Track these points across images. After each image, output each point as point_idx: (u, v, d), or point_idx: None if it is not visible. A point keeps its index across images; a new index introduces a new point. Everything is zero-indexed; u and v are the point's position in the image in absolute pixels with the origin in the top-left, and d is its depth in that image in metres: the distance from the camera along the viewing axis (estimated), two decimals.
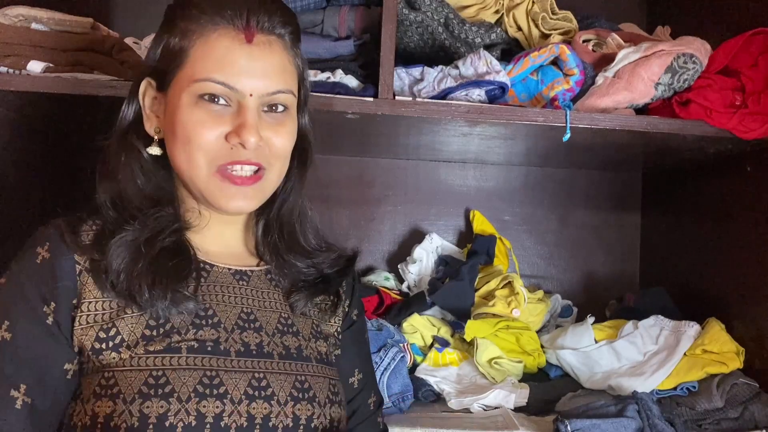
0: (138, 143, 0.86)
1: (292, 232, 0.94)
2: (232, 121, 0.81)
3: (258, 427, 0.79)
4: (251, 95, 0.82)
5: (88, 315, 0.79)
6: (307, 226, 0.96)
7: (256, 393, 0.80)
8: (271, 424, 0.80)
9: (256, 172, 0.84)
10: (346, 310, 0.98)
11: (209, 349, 0.80)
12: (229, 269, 0.89)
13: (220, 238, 0.91)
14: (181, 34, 0.82)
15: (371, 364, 1.05)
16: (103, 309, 0.80)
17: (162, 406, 0.75)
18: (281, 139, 0.85)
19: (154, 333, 0.79)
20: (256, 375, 0.82)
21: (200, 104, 0.81)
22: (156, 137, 0.86)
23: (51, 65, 1.08)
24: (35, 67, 1.07)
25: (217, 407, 0.77)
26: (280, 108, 0.85)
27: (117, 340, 0.78)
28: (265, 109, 0.84)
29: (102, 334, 0.79)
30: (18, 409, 0.76)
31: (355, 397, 0.98)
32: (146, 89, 0.86)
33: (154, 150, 0.86)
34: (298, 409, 0.83)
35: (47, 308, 0.79)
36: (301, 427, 0.82)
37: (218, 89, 0.81)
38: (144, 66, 0.88)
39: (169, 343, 0.79)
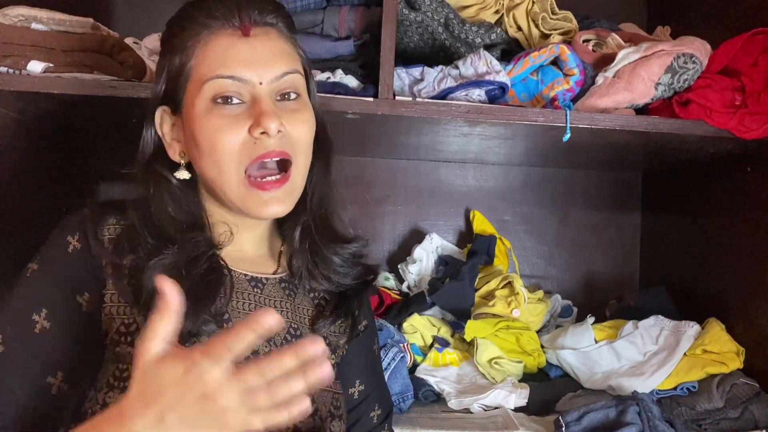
0: (164, 171, 0.86)
1: (325, 219, 0.93)
2: (251, 115, 0.81)
3: None
4: (261, 83, 0.82)
5: (111, 306, 0.80)
6: (339, 214, 0.95)
7: None
8: None
9: (283, 168, 0.83)
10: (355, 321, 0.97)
11: None
12: (245, 275, 0.88)
13: (237, 243, 0.89)
14: (180, 50, 0.83)
15: (379, 377, 1.04)
16: (125, 302, 0.80)
17: None
18: (300, 128, 0.84)
19: None
20: None
21: (215, 109, 0.81)
22: (182, 161, 0.86)
23: (51, 65, 1.08)
24: (35, 67, 1.06)
25: None
26: (293, 95, 0.85)
27: (136, 336, 0.78)
28: (278, 98, 0.84)
29: (122, 328, 0.80)
30: (54, 395, 0.78)
31: (355, 407, 0.97)
32: (162, 118, 0.87)
33: (183, 174, 0.86)
34: (300, 423, 0.83)
35: (80, 298, 0.80)
36: None
37: (229, 85, 0.81)
38: (154, 96, 0.87)
39: (186, 346, 0.78)
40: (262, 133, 0.80)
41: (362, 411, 0.97)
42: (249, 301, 0.87)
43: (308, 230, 0.92)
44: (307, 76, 0.90)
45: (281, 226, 0.95)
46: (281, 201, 0.83)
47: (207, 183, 0.86)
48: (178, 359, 0.58)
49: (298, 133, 0.84)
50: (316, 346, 0.59)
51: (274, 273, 0.92)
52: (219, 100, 0.81)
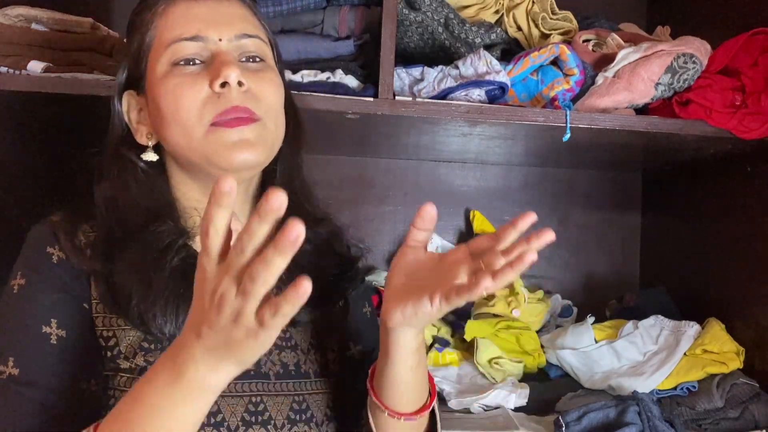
0: (130, 154, 0.83)
1: (296, 200, 0.85)
2: (211, 71, 0.78)
3: None
4: (221, 40, 0.80)
5: (96, 316, 0.78)
6: (312, 197, 0.92)
7: (253, 418, 0.78)
8: None
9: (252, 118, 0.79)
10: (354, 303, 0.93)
11: None
12: None
13: None
14: (140, 26, 0.82)
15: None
16: (107, 312, 0.78)
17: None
18: (267, 88, 0.81)
19: (152, 346, 0.77)
20: (253, 399, 0.79)
21: (175, 71, 0.79)
22: (150, 143, 0.83)
23: (51, 65, 1.08)
24: (35, 67, 1.06)
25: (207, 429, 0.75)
26: (257, 59, 0.82)
27: (115, 351, 0.76)
28: (243, 59, 0.81)
29: (102, 341, 0.77)
30: (91, 398, 0.75)
31: (358, 365, 0.89)
32: (129, 103, 0.85)
33: (150, 156, 0.83)
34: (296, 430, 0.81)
35: (86, 304, 0.77)
36: None
37: (188, 47, 0.79)
38: (118, 81, 0.85)
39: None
40: (223, 85, 0.77)
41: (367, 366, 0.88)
42: None
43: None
44: (273, 48, 0.87)
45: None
46: (252, 144, 0.77)
47: (174, 152, 0.81)
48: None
49: (263, 93, 0.80)
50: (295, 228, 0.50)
51: None
52: (181, 63, 0.79)
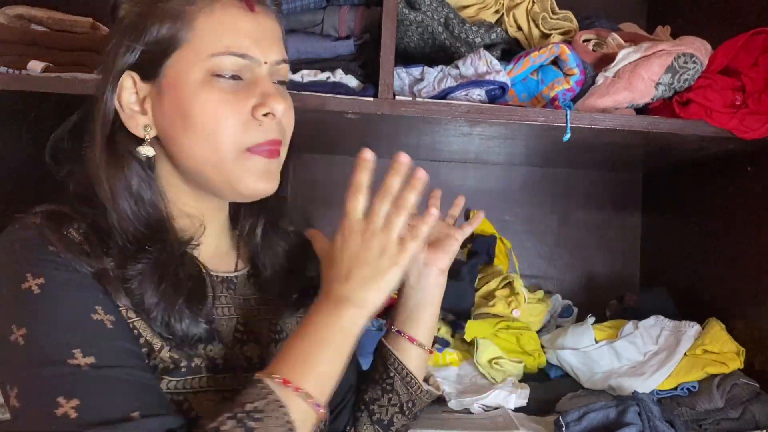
0: (130, 146, 0.77)
1: (282, 218, 0.91)
2: (253, 94, 0.76)
3: None
4: (266, 63, 0.78)
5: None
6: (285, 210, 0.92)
7: None
8: None
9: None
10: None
11: (220, 366, 0.77)
12: (217, 276, 0.83)
13: (201, 237, 0.82)
14: (172, 16, 0.75)
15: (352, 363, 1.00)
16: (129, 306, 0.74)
17: None
18: (291, 116, 0.82)
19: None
20: (226, 395, 0.77)
21: (215, 83, 0.75)
22: (147, 137, 0.77)
23: (51, 65, 1.08)
24: (35, 66, 1.06)
25: None
26: (284, 82, 0.82)
27: (141, 341, 0.73)
28: (275, 81, 0.80)
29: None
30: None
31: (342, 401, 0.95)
32: (125, 84, 0.77)
33: (147, 150, 0.77)
34: None
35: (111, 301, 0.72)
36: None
37: (236, 63, 0.75)
38: (122, 62, 0.77)
39: (186, 350, 0.76)
40: (266, 114, 0.76)
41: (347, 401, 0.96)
42: (228, 305, 0.83)
43: (267, 227, 0.89)
44: None
45: (234, 221, 0.90)
46: (273, 176, 0.79)
47: (185, 161, 0.77)
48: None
49: (290, 122, 0.82)
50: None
51: (236, 270, 0.87)
52: (226, 75, 0.75)
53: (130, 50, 0.76)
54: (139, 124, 0.77)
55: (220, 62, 0.75)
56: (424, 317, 0.96)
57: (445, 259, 0.96)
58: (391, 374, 0.94)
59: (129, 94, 0.77)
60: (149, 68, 0.76)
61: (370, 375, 0.98)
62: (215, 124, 0.75)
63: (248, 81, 0.77)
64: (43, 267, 0.69)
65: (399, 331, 0.96)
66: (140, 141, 0.78)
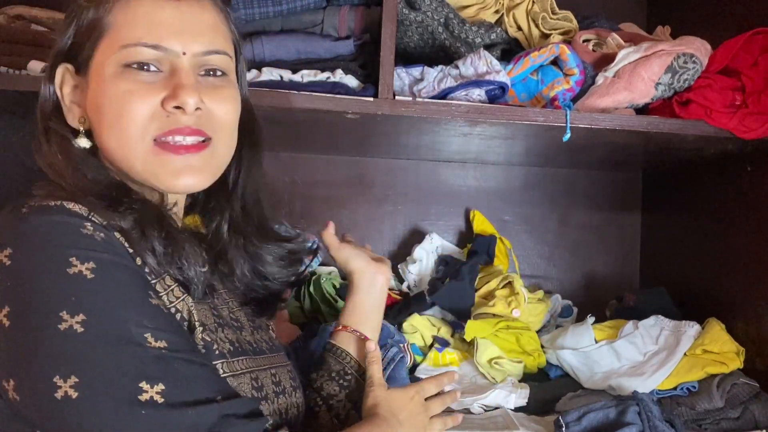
0: (66, 133, 0.76)
1: (261, 216, 0.88)
2: (166, 86, 0.73)
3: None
4: (184, 53, 0.74)
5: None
6: (270, 208, 0.91)
7: (279, 389, 0.83)
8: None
9: (201, 142, 0.75)
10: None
11: (239, 350, 0.80)
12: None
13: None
14: (95, 4, 0.74)
15: None
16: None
17: None
18: (224, 105, 0.77)
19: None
20: (272, 370, 0.84)
21: (127, 74, 0.72)
22: (82, 128, 0.77)
23: None
24: (35, 66, 1.07)
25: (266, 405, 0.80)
26: (219, 72, 0.78)
27: (178, 317, 0.74)
28: (202, 73, 0.76)
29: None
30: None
31: None
32: (63, 77, 0.77)
33: (82, 142, 0.76)
34: (298, 397, 0.87)
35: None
36: (301, 414, 0.88)
37: (148, 54, 0.73)
38: (58, 50, 0.77)
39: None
40: (177, 107, 0.73)
41: None
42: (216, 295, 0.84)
43: (238, 226, 0.86)
44: (237, 59, 0.83)
45: (202, 219, 0.88)
46: (198, 170, 0.75)
47: (109, 155, 0.76)
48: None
49: (220, 112, 0.77)
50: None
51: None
52: (134, 66, 0.73)
53: (65, 35, 0.77)
54: (75, 116, 0.77)
55: (130, 53, 0.72)
56: (377, 318, 1.06)
57: (389, 270, 1.08)
58: (348, 371, 1.00)
59: (66, 86, 0.77)
60: (79, 59, 0.76)
61: (323, 370, 1.01)
62: (120, 116, 0.72)
63: (167, 73, 0.74)
64: (88, 250, 0.65)
65: (355, 331, 1.02)
66: (75, 130, 0.77)
